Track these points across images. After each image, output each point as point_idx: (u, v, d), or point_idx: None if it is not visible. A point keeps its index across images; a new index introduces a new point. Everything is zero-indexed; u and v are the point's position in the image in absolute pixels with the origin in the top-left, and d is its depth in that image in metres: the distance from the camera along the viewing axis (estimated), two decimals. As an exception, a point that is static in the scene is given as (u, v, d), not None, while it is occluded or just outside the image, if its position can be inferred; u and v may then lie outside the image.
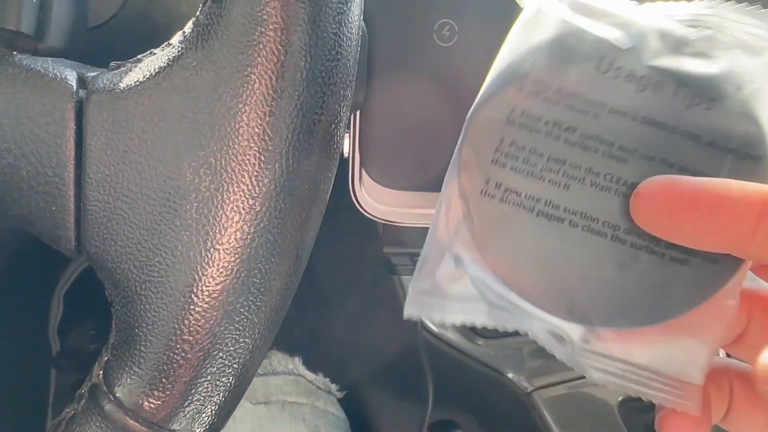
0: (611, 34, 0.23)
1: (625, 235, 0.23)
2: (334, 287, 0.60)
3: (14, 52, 0.23)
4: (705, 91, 0.23)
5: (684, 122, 0.23)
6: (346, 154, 0.37)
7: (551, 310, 0.24)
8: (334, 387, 0.58)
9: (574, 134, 0.23)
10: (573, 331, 0.24)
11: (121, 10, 0.33)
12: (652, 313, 0.23)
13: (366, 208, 0.37)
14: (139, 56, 0.23)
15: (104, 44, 0.32)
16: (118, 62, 0.23)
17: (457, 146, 0.24)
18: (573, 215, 0.23)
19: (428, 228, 0.35)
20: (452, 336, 0.57)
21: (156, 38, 0.43)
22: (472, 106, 0.24)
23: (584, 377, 0.68)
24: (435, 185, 0.37)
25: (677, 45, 0.23)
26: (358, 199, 0.36)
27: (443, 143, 0.36)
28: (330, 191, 0.24)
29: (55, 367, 0.73)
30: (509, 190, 0.23)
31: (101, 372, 0.23)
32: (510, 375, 0.58)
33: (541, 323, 0.24)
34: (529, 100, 0.23)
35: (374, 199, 0.36)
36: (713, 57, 0.23)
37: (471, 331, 0.58)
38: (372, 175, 0.36)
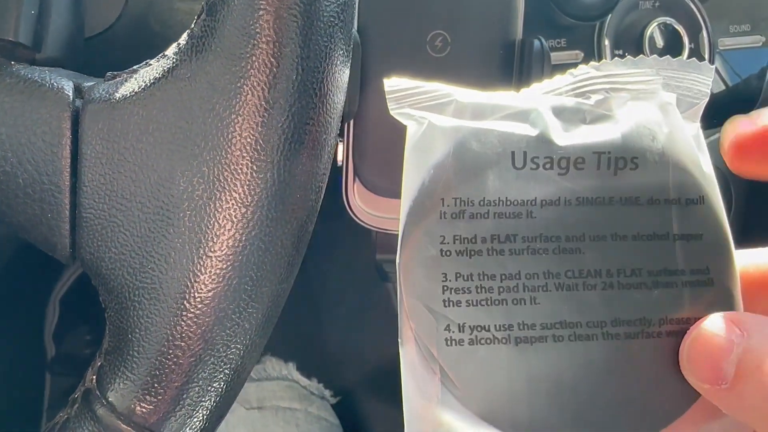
0: (512, 127, 0.22)
1: (616, 329, 0.21)
2: (327, 293, 0.60)
3: (12, 62, 0.23)
4: (624, 152, 0.22)
5: (617, 190, 0.22)
6: (339, 162, 0.38)
7: None
8: (327, 392, 0.58)
9: (516, 242, 0.21)
10: None
11: (118, 20, 0.33)
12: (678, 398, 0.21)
13: (359, 216, 0.37)
14: (135, 67, 0.23)
15: (101, 54, 0.32)
16: (115, 72, 0.24)
17: (398, 301, 0.22)
18: (553, 329, 0.21)
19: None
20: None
21: (152, 48, 0.43)
22: (397, 251, 0.22)
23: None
24: (427, 193, 0.37)
25: (577, 117, 0.22)
26: (351, 206, 0.37)
27: (435, 152, 0.37)
28: (321, 199, 0.24)
29: (50, 372, 0.74)
30: (475, 327, 0.21)
31: (94, 377, 0.24)
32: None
33: None
34: (456, 223, 0.21)
35: (367, 207, 0.37)
36: (615, 116, 0.23)
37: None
38: (365, 183, 0.36)
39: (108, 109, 0.22)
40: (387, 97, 0.22)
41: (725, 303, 0.22)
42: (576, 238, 0.22)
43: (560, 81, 0.23)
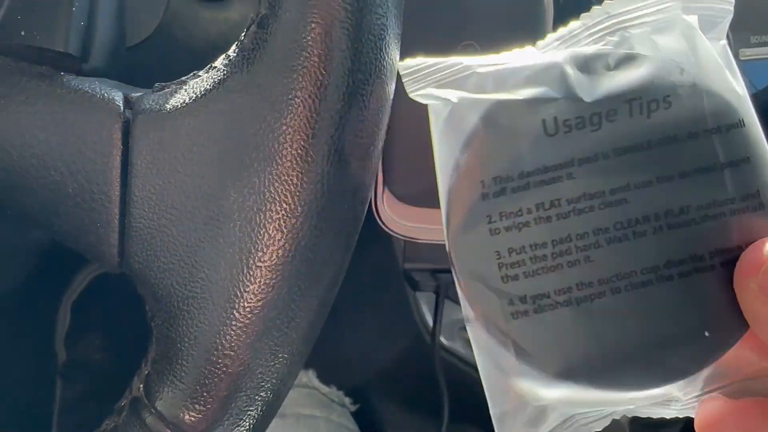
0: (536, 91, 0.22)
1: (669, 270, 0.22)
2: (348, 300, 0.61)
3: (61, 73, 0.24)
4: (655, 94, 0.22)
5: (655, 132, 0.21)
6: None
7: (649, 385, 0.22)
8: (347, 400, 0.58)
9: (561, 207, 0.21)
10: (675, 390, 0.22)
11: (158, 29, 0.34)
12: (735, 324, 0.22)
13: (388, 225, 0.37)
14: (183, 78, 0.24)
15: (143, 63, 0.33)
16: (163, 83, 0.24)
17: (456, 284, 0.22)
18: (610, 283, 0.21)
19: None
20: (464, 351, 0.58)
21: (191, 57, 0.44)
22: (446, 238, 0.22)
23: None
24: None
25: (600, 64, 0.22)
26: (381, 215, 0.37)
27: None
28: (366, 210, 0.24)
29: (61, 377, 0.74)
30: (536, 296, 0.21)
31: (142, 385, 0.24)
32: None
33: (645, 401, 0.22)
34: (500, 201, 0.21)
35: (396, 216, 0.37)
36: (639, 55, 0.22)
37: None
38: (395, 193, 0.37)
39: (158, 119, 0.23)
40: (403, 79, 0.22)
41: None
42: (620, 189, 0.21)
43: (576, 27, 0.23)
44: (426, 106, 0.23)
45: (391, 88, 0.23)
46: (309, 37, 0.21)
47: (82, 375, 0.72)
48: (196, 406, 0.23)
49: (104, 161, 0.23)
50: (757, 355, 0.22)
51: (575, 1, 0.43)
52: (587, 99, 0.21)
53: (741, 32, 0.50)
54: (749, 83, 0.53)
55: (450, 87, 0.22)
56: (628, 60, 0.22)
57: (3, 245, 0.51)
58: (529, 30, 0.37)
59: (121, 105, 0.23)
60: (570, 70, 0.22)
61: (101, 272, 0.64)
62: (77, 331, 0.73)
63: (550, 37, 0.23)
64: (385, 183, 0.37)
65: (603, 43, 0.22)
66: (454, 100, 0.22)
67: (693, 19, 0.22)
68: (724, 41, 0.23)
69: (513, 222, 0.21)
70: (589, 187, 0.21)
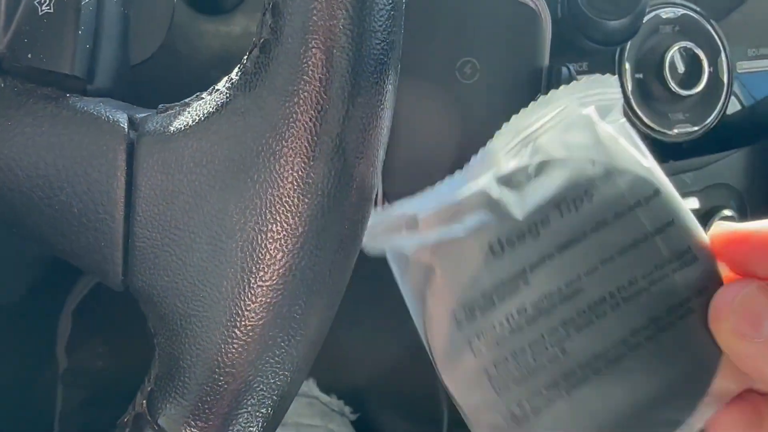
0: (475, 221, 0.24)
1: (636, 338, 0.24)
2: (348, 311, 0.61)
3: (67, 95, 0.24)
4: (576, 191, 0.24)
5: (586, 223, 0.24)
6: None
7: None
8: (347, 409, 0.58)
9: (528, 312, 0.24)
10: None
11: (161, 48, 0.34)
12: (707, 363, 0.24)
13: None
14: (187, 100, 0.24)
15: (147, 80, 0.33)
16: (167, 105, 0.24)
17: (458, 407, 0.25)
18: (590, 365, 0.24)
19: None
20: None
21: (195, 71, 0.44)
22: (434, 365, 0.25)
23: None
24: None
25: (522, 178, 0.24)
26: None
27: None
28: (366, 230, 0.25)
29: (62, 384, 0.74)
30: (530, 399, 0.24)
31: (145, 401, 0.24)
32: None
33: None
34: (474, 323, 0.24)
35: (396, 230, 0.37)
36: (552, 162, 0.24)
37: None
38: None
39: (162, 141, 0.23)
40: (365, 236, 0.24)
41: (711, 272, 0.24)
42: (572, 281, 0.24)
43: (501, 141, 0.25)
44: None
45: (390, 110, 0.24)
46: (310, 62, 0.22)
47: (83, 382, 0.72)
48: (198, 422, 0.23)
49: (109, 182, 0.23)
50: (735, 384, 0.24)
51: (573, 16, 0.44)
52: (520, 217, 0.24)
53: (738, 46, 0.51)
54: (748, 95, 0.53)
55: (400, 235, 0.25)
56: (544, 166, 0.24)
57: (5, 253, 0.51)
58: (527, 46, 0.37)
59: (125, 126, 0.23)
60: (497, 192, 0.24)
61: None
62: (78, 337, 0.73)
63: (473, 159, 0.25)
64: (384, 196, 0.37)
65: (519, 156, 0.25)
66: (407, 250, 0.25)
67: (591, 111, 0.25)
68: (623, 119, 0.25)
69: (491, 339, 0.24)
70: (545, 288, 0.24)
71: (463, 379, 0.25)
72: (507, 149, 0.25)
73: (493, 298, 0.24)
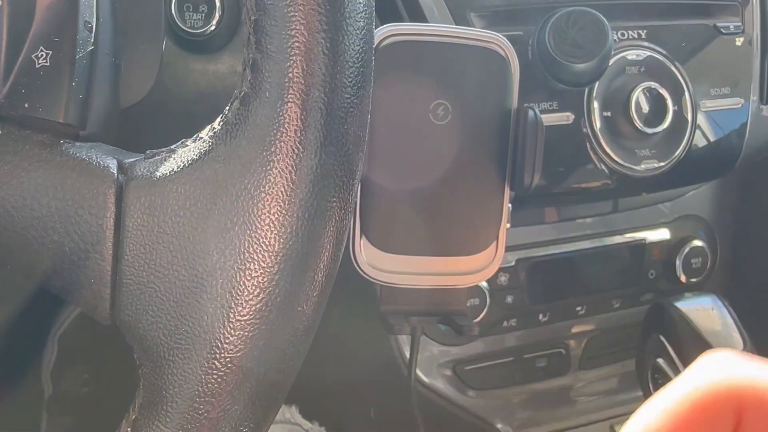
0: None
1: None
2: (329, 337, 0.62)
3: (60, 141, 0.26)
4: None
5: None
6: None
7: None
8: (329, 436, 0.59)
9: None
10: None
11: (151, 92, 0.36)
12: None
13: (365, 271, 0.40)
14: (172, 147, 0.26)
15: (138, 121, 0.35)
16: (154, 151, 0.26)
17: None
18: None
19: (422, 288, 0.37)
20: (443, 387, 0.60)
21: (181, 113, 0.46)
22: None
23: (574, 427, 0.70)
24: (429, 250, 0.40)
25: None
26: (358, 262, 0.39)
27: (438, 212, 0.40)
28: (338, 266, 0.27)
29: (47, 411, 0.74)
30: None
31: (129, 429, 0.26)
32: (499, 426, 0.60)
33: None
34: None
35: (373, 263, 0.39)
36: None
37: (461, 382, 0.60)
38: (371, 241, 0.39)
39: (149, 185, 0.25)
40: None
41: None
42: None
43: None
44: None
45: (360, 156, 0.26)
46: (286, 116, 0.24)
47: (68, 408, 0.73)
48: (180, 449, 0.25)
49: (99, 223, 0.25)
50: None
51: (542, 59, 0.46)
52: None
53: (701, 85, 0.53)
54: (717, 127, 0.56)
55: None
56: None
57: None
58: (496, 89, 0.40)
59: (115, 171, 0.25)
60: None
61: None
62: (64, 364, 0.74)
63: None
64: (362, 231, 0.39)
65: None
66: None
67: None
68: None
69: None
70: None
71: None
72: None
73: None
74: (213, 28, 0.46)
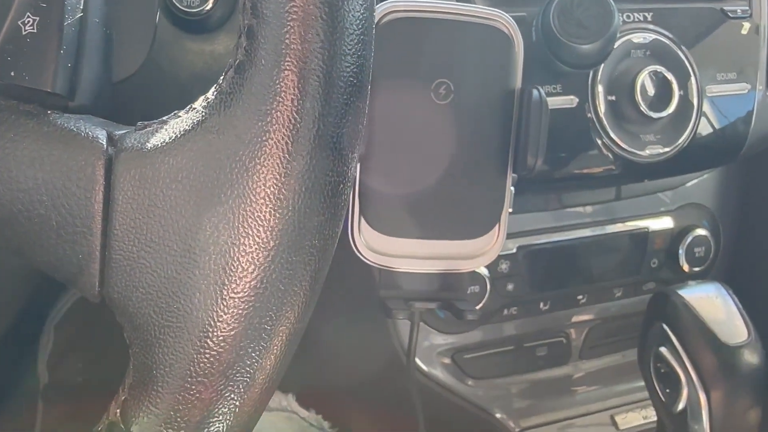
0: None
1: None
2: (327, 325, 0.62)
3: (48, 111, 0.25)
4: None
5: None
6: (345, 202, 0.39)
7: None
8: (326, 424, 0.59)
9: None
10: None
11: (145, 62, 0.35)
12: None
13: (364, 254, 0.39)
14: (164, 117, 0.25)
15: (130, 96, 0.34)
16: (145, 122, 0.25)
17: None
18: None
19: (422, 272, 0.36)
20: (442, 376, 0.59)
21: (177, 88, 0.45)
22: None
23: (574, 417, 0.69)
24: (430, 233, 0.39)
25: None
26: (357, 244, 0.38)
27: (438, 194, 0.39)
28: (336, 243, 0.26)
29: (43, 399, 0.74)
30: None
31: (118, 410, 0.25)
32: (498, 415, 0.60)
33: None
34: None
35: (372, 246, 0.38)
36: None
37: (460, 371, 0.59)
38: (370, 223, 0.38)
39: (139, 157, 0.24)
40: None
41: None
42: None
43: None
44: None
45: (360, 128, 0.25)
46: (282, 84, 0.23)
47: (64, 397, 0.72)
48: (171, 431, 0.24)
49: (87, 196, 0.24)
50: None
51: (546, 40, 0.45)
52: None
53: (707, 70, 0.52)
54: (721, 116, 0.55)
55: None
56: None
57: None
58: (500, 69, 0.39)
59: (104, 143, 0.24)
60: None
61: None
62: (60, 353, 0.73)
63: None
64: (361, 213, 0.38)
65: None
66: None
67: None
68: None
69: None
70: None
71: None
72: None
73: None
74: (209, 7, 0.45)
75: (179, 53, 0.46)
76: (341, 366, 0.63)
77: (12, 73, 0.24)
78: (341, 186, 0.24)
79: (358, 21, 0.23)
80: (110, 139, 0.25)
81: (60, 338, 0.74)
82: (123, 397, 0.25)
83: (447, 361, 0.59)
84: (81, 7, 0.26)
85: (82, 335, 0.75)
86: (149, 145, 0.24)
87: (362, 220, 0.38)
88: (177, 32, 0.45)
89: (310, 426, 0.57)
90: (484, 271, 0.55)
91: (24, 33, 0.24)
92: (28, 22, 0.25)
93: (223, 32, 0.47)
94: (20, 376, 0.73)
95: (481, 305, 0.55)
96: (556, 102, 0.48)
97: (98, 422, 0.26)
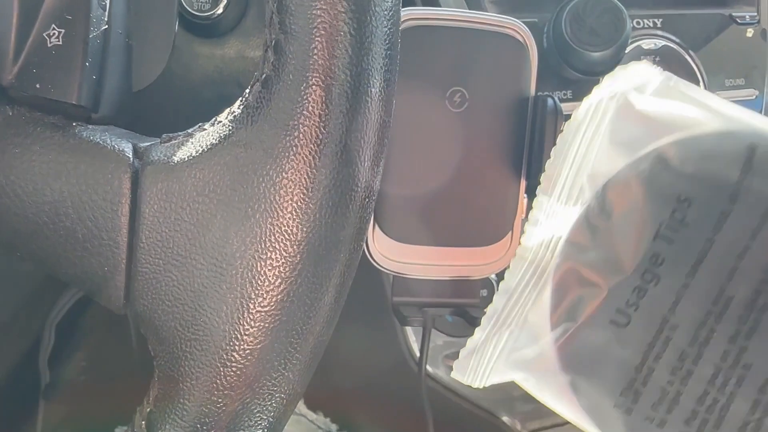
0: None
1: None
2: (337, 329, 0.62)
3: (73, 123, 0.25)
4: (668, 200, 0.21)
5: (704, 227, 0.21)
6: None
7: None
8: (334, 427, 0.59)
9: (687, 352, 0.21)
10: None
11: (162, 74, 0.35)
12: None
13: (378, 261, 0.39)
14: (189, 130, 0.25)
15: (148, 105, 0.34)
16: (170, 135, 0.25)
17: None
18: None
19: (435, 279, 0.36)
20: (448, 378, 0.59)
21: (187, 98, 0.45)
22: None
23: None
24: (443, 240, 0.39)
25: (596, 222, 0.22)
26: (371, 252, 0.39)
27: (452, 201, 0.39)
28: (360, 255, 0.26)
29: (44, 398, 0.74)
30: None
31: (144, 422, 0.25)
32: (504, 418, 0.60)
33: None
34: (643, 398, 0.23)
35: (386, 253, 0.39)
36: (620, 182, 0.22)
37: (467, 374, 0.59)
38: (384, 230, 0.38)
39: (166, 171, 0.24)
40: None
41: None
42: (718, 295, 0.21)
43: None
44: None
45: (386, 144, 0.25)
46: (310, 99, 0.23)
47: (65, 396, 0.72)
48: (197, 443, 0.24)
49: (113, 209, 0.24)
50: None
51: (558, 47, 0.45)
52: (628, 271, 0.21)
53: (716, 75, 0.52)
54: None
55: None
56: (614, 191, 0.21)
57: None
58: (514, 77, 0.39)
59: (130, 156, 0.24)
60: (584, 258, 0.21)
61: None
62: (61, 352, 0.73)
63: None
64: (375, 220, 0.38)
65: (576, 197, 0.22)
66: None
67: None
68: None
69: (667, 399, 0.22)
70: (695, 318, 0.21)
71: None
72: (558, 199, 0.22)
73: (646, 364, 0.22)
74: (220, 11, 0.45)
75: (190, 58, 0.46)
76: (349, 369, 0.63)
77: (37, 86, 0.24)
78: (366, 200, 0.25)
79: (384, 36, 0.24)
80: (136, 151, 0.25)
81: (61, 337, 0.74)
82: (148, 409, 0.25)
83: (453, 363, 0.59)
84: (105, 19, 0.26)
85: (83, 334, 0.75)
86: (176, 159, 0.24)
87: (376, 227, 0.38)
88: (188, 37, 0.46)
89: (318, 429, 0.57)
90: (492, 276, 0.55)
91: (49, 45, 0.24)
92: (54, 34, 0.25)
93: (234, 36, 0.47)
94: (21, 376, 0.73)
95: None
96: (566, 108, 0.47)
97: (106, 424, 0.26)
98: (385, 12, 0.23)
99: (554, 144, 0.38)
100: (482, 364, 0.24)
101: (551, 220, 0.22)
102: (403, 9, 0.37)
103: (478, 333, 0.24)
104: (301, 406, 0.58)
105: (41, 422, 0.73)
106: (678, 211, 0.21)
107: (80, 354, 0.76)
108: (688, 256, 0.21)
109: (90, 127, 0.25)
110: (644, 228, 0.21)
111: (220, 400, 0.24)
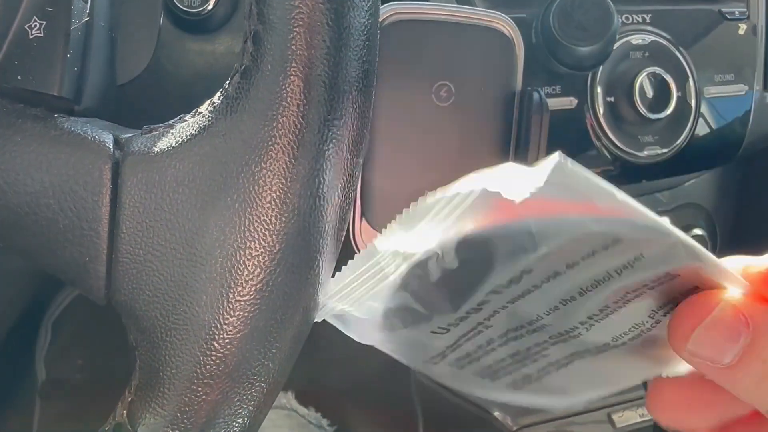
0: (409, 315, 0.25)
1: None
2: (326, 325, 0.62)
3: (55, 115, 0.25)
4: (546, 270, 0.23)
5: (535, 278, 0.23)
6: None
7: None
8: (325, 422, 0.59)
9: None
10: None
11: (147, 72, 0.35)
12: None
13: (365, 255, 0.39)
14: (170, 122, 0.25)
15: (133, 98, 0.34)
16: (151, 126, 0.25)
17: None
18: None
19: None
20: (441, 374, 0.59)
21: (179, 89, 0.45)
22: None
23: (571, 415, 0.70)
24: (430, 234, 0.39)
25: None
26: (357, 245, 0.39)
27: (439, 195, 0.39)
28: (341, 246, 0.26)
29: (40, 396, 0.74)
30: None
31: (125, 411, 0.25)
32: (496, 413, 0.60)
33: None
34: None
35: (373, 246, 0.39)
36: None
37: (459, 369, 0.59)
38: (372, 224, 0.38)
39: (146, 161, 0.24)
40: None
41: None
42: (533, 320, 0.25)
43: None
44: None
45: (366, 133, 0.25)
46: (288, 89, 0.23)
47: (62, 394, 0.72)
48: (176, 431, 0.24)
49: (94, 199, 0.24)
50: None
51: (546, 42, 0.46)
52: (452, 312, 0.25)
53: (705, 71, 0.53)
54: (719, 116, 0.55)
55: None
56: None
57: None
58: (500, 71, 0.39)
59: (111, 147, 0.24)
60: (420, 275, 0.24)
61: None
62: (57, 349, 0.73)
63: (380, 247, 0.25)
64: (362, 213, 0.39)
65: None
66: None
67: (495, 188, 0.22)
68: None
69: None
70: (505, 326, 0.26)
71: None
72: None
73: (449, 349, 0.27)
74: (210, 7, 0.45)
75: (180, 54, 0.46)
76: (340, 364, 0.63)
77: (19, 77, 0.25)
78: (346, 190, 0.25)
79: (363, 27, 0.24)
80: (117, 142, 0.25)
81: (57, 335, 0.74)
82: (129, 399, 0.25)
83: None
84: (87, 12, 0.26)
85: (80, 332, 0.75)
86: (156, 149, 0.24)
87: (363, 221, 0.39)
88: (178, 32, 0.46)
89: (309, 424, 0.58)
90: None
91: (31, 37, 0.25)
92: (35, 26, 0.25)
93: (225, 32, 0.47)
94: (18, 373, 0.74)
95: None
96: (555, 103, 0.48)
97: (103, 422, 0.27)
98: (364, 3, 0.24)
99: (540, 138, 0.39)
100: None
101: (410, 236, 0.23)
102: (390, 3, 0.38)
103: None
104: (293, 402, 0.58)
105: (37, 420, 0.73)
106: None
107: (77, 352, 0.76)
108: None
109: (72, 118, 0.25)
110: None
111: (200, 389, 0.24)
